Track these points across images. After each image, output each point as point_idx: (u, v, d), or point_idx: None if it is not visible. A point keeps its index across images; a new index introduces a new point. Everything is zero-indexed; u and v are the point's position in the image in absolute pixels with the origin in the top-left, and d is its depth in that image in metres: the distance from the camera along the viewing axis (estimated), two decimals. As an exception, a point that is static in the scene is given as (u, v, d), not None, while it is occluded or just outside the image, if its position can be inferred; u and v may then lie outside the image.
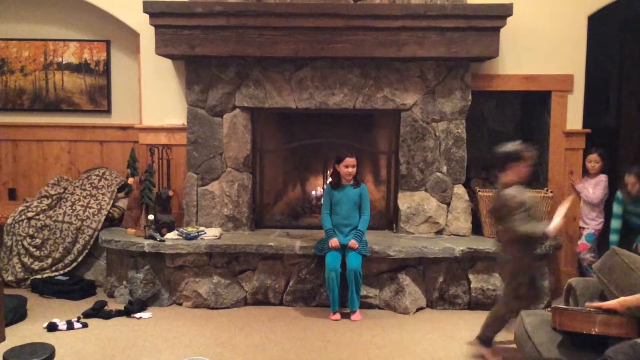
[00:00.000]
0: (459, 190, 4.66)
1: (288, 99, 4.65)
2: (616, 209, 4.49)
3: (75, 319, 3.98)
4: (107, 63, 5.25)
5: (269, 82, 4.63)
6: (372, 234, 4.49)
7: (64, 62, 5.28)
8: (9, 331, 3.79)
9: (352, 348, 3.64)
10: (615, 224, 4.47)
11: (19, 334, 3.76)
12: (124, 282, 4.44)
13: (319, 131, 4.92)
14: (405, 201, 4.69)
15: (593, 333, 2.35)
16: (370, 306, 4.33)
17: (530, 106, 5.14)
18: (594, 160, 4.68)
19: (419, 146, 4.65)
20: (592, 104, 4.90)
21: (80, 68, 5.28)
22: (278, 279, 4.38)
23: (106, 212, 4.78)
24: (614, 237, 4.45)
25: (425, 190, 4.66)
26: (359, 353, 3.57)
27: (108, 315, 4.10)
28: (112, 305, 4.29)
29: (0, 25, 5.28)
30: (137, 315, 4.13)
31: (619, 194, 4.49)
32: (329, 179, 4.49)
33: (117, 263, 4.50)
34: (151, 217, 4.48)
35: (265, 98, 4.65)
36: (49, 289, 4.51)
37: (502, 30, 4.38)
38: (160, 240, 4.33)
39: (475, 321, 4.04)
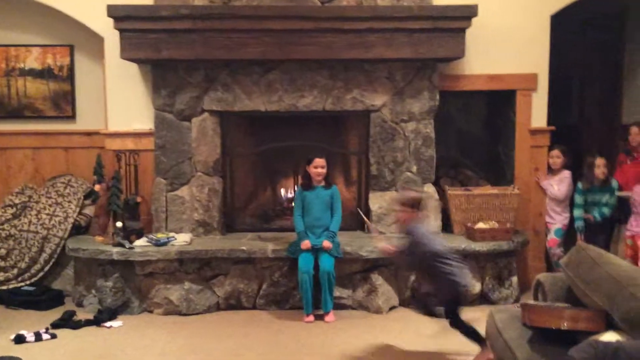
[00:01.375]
0: (429, 189, 4.70)
1: (257, 102, 4.63)
2: (577, 199, 4.61)
3: (44, 330, 3.89)
4: (71, 68, 5.14)
5: (238, 85, 4.61)
6: (344, 235, 4.50)
7: (26, 68, 5.15)
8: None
9: (326, 349, 3.65)
10: (577, 212, 4.60)
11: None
12: (93, 291, 4.35)
13: (289, 134, 4.91)
14: (376, 201, 4.72)
15: (562, 328, 2.40)
16: (344, 307, 4.34)
17: (496, 105, 5.23)
18: (555, 156, 4.78)
19: (389, 146, 4.68)
20: (556, 102, 5.00)
21: (44, 74, 5.16)
22: (251, 283, 4.35)
23: (73, 220, 4.69)
24: (579, 223, 4.57)
25: (396, 190, 4.69)
26: (333, 354, 3.58)
27: (77, 325, 4.01)
28: (81, 315, 4.20)
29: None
30: (107, 324, 4.05)
31: (579, 184, 4.61)
32: (300, 181, 4.49)
33: (85, 272, 4.42)
34: (119, 224, 4.40)
35: (234, 101, 4.62)
36: (15, 300, 4.40)
37: (467, 31, 4.44)
38: (129, 248, 4.26)
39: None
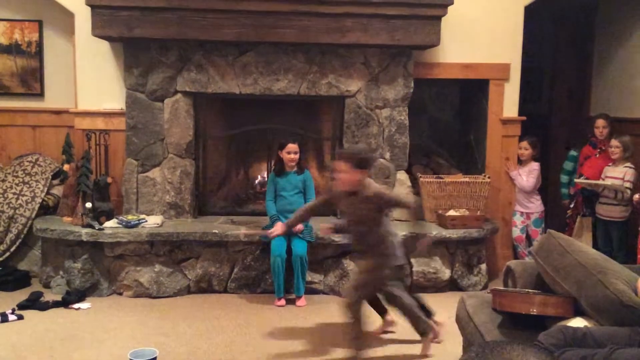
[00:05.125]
0: (402, 176, 4.74)
1: (232, 84, 4.58)
2: (567, 165, 4.74)
3: (10, 311, 3.82)
4: (40, 44, 5.00)
5: (212, 66, 4.55)
6: (316, 220, 4.50)
7: (-7, 43, 4.98)
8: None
9: (298, 333, 3.67)
10: (564, 178, 4.73)
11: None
12: (61, 272, 4.28)
13: (263, 117, 4.88)
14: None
15: (532, 313, 2.45)
16: (315, 291, 4.36)
17: (469, 94, 5.29)
18: (524, 148, 4.86)
19: (363, 132, 4.69)
20: (527, 92, 5.08)
21: (11, 49, 5.00)
22: (222, 267, 4.33)
23: (40, 200, 4.59)
24: (564, 190, 4.70)
25: (369, 176, 4.69)
26: (305, 338, 3.60)
27: (45, 307, 3.95)
28: (49, 296, 4.13)
29: None
30: (76, 305, 4.00)
31: (573, 152, 4.74)
32: (273, 166, 4.47)
33: (53, 253, 4.33)
34: (89, 205, 4.33)
35: (208, 83, 4.56)
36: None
37: (443, 19, 4.46)
38: (99, 229, 4.19)
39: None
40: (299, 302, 4.15)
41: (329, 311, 4.05)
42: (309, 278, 4.31)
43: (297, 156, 4.25)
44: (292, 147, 4.23)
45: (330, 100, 4.80)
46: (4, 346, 3.36)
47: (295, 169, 4.29)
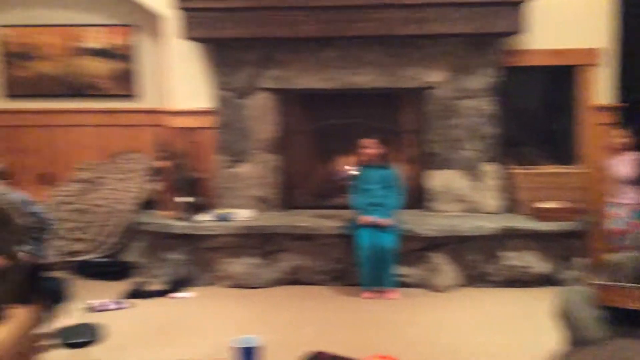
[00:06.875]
0: (489, 167, 4.66)
1: (313, 80, 4.66)
2: None
3: (116, 300, 4.09)
4: (133, 47, 5.26)
5: (294, 63, 4.64)
6: (404, 213, 4.50)
7: (89, 48, 5.29)
8: (53, 313, 3.90)
9: (387, 327, 3.71)
10: None
11: (63, 316, 3.86)
12: (161, 264, 4.52)
13: (345, 111, 4.93)
14: (434, 180, 4.72)
15: (634, 308, 2.39)
16: (403, 285, 4.36)
17: (558, 81, 5.09)
18: (619, 136, 4.64)
19: (446, 124, 4.65)
20: (628, 78, 4.81)
21: (106, 53, 5.29)
22: (310, 259, 4.44)
23: (139, 195, 4.86)
24: None
25: (454, 168, 4.67)
26: (394, 331, 3.63)
27: (147, 295, 4.21)
28: (151, 286, 4.37)
29: (26, 12, 5.29)
30: (176, 295, 4.23)
31: None
32: (358, 160, 4.51)
33: (153, 245, 4.58)
34: (183, 199, 4.55)
35: (290, 79, 4.67)
36: (88, 271, 4.62)
37: (529, 4, 4.33)
38: (194, 222, 4.40)
39: (510, 298, 4.12)
40: (387, 295, 4.18)
41: (418, 305, 4.07)
42: (397, 271, 4.31)
43: (377, 150, 4.29)
44: (370, 142, 4.28)
45: (413, 92, 4.78)
46: (113, 333, 3.59)
47: (380, 162, 4.31)
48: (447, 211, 4.66)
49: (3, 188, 3.35)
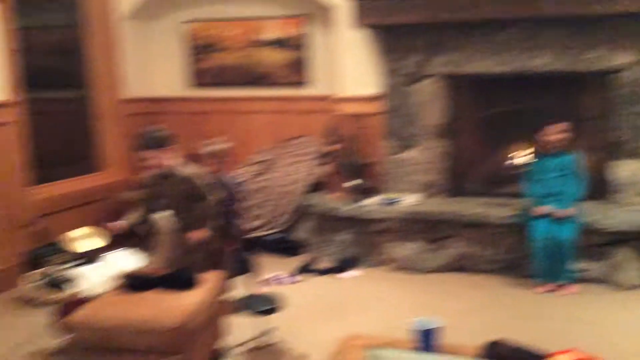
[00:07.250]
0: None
1: (485, 64, 4.52)
2: None
3: (290, 275, 4.34)
4: (305, 37, 5.49)
5: (464, 47, 4.54)
6: (585, 204, 4.21)
7: (265, 39, 5.62)
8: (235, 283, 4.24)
9: (560, 323, 3.51)
10: None
11: (246, 285, 4.18)
12: (329, 243, 4.69)
13: (519, 96, 4.72)
14: (621, 170, 4.35)
15: None
16: (582, 280, 4.09)
17: None
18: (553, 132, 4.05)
19: (636, 110, 4.27)
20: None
21: (281, 43, 5.58)
22: (479, 247, 4.34)
23: (310, 178, 5.09)
24: None
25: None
26: (569, 328, 3.42)
27: (317, 273, 4.41)
28: (320, 264, 4.56)
29: (210, 8, 5.75)
30: (343, 274, 4.38)
31: None
32: (537, 146, 4.31)
33: (321, 225, 4.76)
34: (351, 183, 4.68)
35: (460, 64, 4.57)
36: (262, 246, 4.93)
37: None
38: (361, 206, 4.52)
39: None
40: (562, 290, 3.95)
41: (597, 302, 3.80)
42: (577, 265, 4.04)
43: (561, 137, 4.05)
44: (555, 128, 4.05)
45: (597, 75, 4.44)
46: (290, 304, 3.80)
47: (560, 149, 4.08)
48: (633, 204, 4.28)
49: (198, 168, 3.71)
